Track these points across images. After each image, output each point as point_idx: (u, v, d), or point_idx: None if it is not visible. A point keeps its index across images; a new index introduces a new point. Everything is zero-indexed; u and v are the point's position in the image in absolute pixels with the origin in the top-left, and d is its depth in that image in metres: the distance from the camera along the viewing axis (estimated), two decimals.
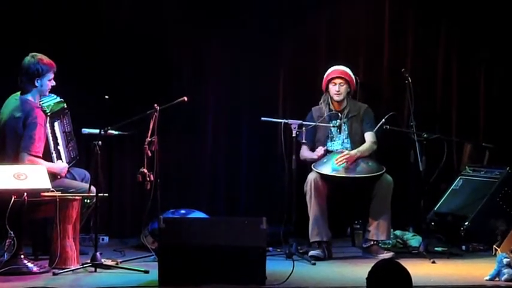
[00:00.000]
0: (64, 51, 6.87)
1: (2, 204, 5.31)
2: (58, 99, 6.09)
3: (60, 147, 6.04)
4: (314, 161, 6.42)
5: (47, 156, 5.91)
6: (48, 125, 5.93)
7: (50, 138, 5.95)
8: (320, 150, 6.41)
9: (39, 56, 5.91)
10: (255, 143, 7.51)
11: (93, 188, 5.81)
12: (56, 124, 6.04)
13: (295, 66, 7.58)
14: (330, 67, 6.69)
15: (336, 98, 6.51)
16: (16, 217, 5.34)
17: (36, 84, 5.88)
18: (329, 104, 6.56)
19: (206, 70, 7.47)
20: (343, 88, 6.48)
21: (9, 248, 5.46)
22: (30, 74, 5.87)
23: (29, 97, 5.90)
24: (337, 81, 6.49)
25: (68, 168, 6.12)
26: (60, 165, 5.97)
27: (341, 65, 6.64)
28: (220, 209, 7.44)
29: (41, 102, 5.96)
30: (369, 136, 6.50)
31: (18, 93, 5.95)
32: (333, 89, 6.50)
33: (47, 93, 5.99)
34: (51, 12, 7.01)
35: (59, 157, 6.02)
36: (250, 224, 5.20)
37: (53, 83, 5.97)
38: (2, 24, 6.92)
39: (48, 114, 5.93)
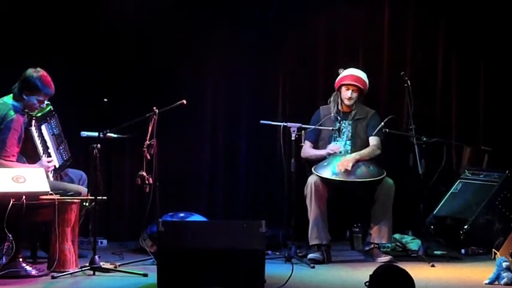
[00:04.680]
0: (62, 53, 6.87)
1: (0, 207, 5.29)
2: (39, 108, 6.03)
3: (51, 150, 6.00)
4: (320, 158, 6.41)
5: (35, 160, 5.88)
6: (34, 128, 5.88)
7: (38, 142, 5.91)
8: (334, 147, 6.40)
9: (42, 73, 5.82)
10: (254, 146, 7.52)
11: (84, 189, 5.85)
12: (43, 127, 5.99)
13: (294, 69, 7.59)
14: (330, 67, 6.71)
15: (346, 102, 6.52)
16: (15, 220, 5.33)
17: (24, 97, 5.81)
18: (338, 104, 6.56)
19: (205, 73, 7.47)
20: (355, 95, 6.50)
21: (8, 251, 5.46)
22: (23, 85, 5.81)
23: (15, 103, 5.83)
24: (351, 87, 6.49)
25: (65, 170, 6.10)
26: (42, 165, 5.84)
27: (342, 66, 6.66)
28: (219, 212, 7.43)
29: None
30: (374, 140, 6.49)
31: (5, 97, 5.90)
32: (345, 93, 6.50)
33: (31, 111, 5.87)
34: (50, 14, 7.00)
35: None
36: (249, 227, 5.18)
37: (43, 104, 5.90)
38: (0, 25, 6.92)
39: (34, 117, 5.89)
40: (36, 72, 5.82)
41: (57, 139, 6.12)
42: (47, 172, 5.82)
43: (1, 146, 5.73)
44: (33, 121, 5.87)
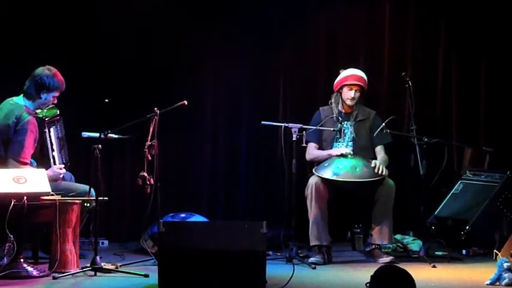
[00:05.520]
0: (63, 54, 6.87)
1: (1, 208, 5.29)
2: (50, 105, 6.05)
3: (55, 153, 6.02)
4: (326, 158, 6.41)
5: (44, 162, 5.89)
6: (46, 130, 5.90)
7: (49, 143, 5.93)
8: (341, 150, 6.40)
9: (55, 71, 5.89)
10: (255, 146, 7.51)
11: (81, 186, 5.88)
12: (52, 130, 6.02)
13: (294, 69, 7.58)
14: (331, 70, 6.70)
15: (349, 102, 6.52)
16: (16, 221, 5.33)
17: (41, 96, 5.86)
18: (339, 105, 6.56)
19: (206, 74, 7.47)
20: (358, 95, 6.49)
21: (9, 251, 5.45)
22: (39, 85, 5.84)
23: (28, 104, 5.88)
24: (354, 87, 6.49)
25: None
26: (53, 172, 5.90)
27: (342, 66, 6.66)
28: (220, 212, 7.43)
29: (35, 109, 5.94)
30: (382, 150, 6.52)
31: (14, 98, 5.93)
32: (347, 93, 6.50)
33: (46, 107, 5.95)
34: (51, 15, 7.00)
35: (54, 162, 6.00)
36: (250, 227, 5.18)
37: (55, 100, 5.95)
38: (1, 26, 6.92)
39: (47, 120, 5.90)
40: (49, 71, 5.88)
41: (61, 142, 6.13)
42: (57, 179, 5.85)
43: (19, 147, 5.75)
44: (46, 124, 5.89)
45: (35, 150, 5.88)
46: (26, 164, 5.76)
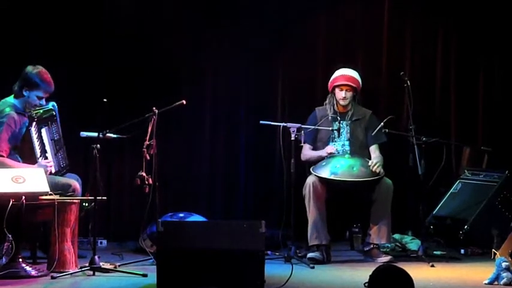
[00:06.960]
0: (63, 53, 6.87)
1: (0, 207, 5.29)
2: (48, 107, 6.01)
3: (48, 154, 5.96)
4: (321, 158, 6.41)
5: (32, 161, 5.87)
6: (33, 129, 5.85)
7: (37, 143, 5.87)
8: (331, 148, 6.40)
9: (41, 69, 5.88)
10: (254, 146, 7.51)
11: (75, 182, 5.85)
12: (43, 130, 5.96)
13: (294, 70, 7.58)
14: (329, 69, 6.70)
15: (341, 103, 6.54)
16: (14, 220, 5.33)
17: (24, 93, 5.86)
18: (333, 106, 6.57)
19: (205, 73, 7.47)
20: (350, 94, 6.51)
21: (8, 251, 5.45)
22: (22, 82, 5.85)
23: (16, 102, 5.88)
24: (345, 88, 6.50)
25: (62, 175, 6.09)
26: (39, 165, 5.82)
27: (341, 66, 6.66)
28: (219, 212, 7.43)
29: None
30: (376, 149, 6.51)
31: (7, 98, 5.94)
32: (339, 94, 6.52)
33: (32, 107, 5.89)
34: (50, 15, 7.00)
35: (45, 157, 5.96)
36: (248, 227, 5.18)
37: (43, 101, 5.92)
38: (1, 25, 6.92)
39: (35, 119, 5.87)
40: (35, 69, 5.88)
41: (56, 145, 6.09)
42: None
43: None
44: (34, 122, 5.87)
45: (23, 148, 5.86)
46: (1, 156, 5.76)
